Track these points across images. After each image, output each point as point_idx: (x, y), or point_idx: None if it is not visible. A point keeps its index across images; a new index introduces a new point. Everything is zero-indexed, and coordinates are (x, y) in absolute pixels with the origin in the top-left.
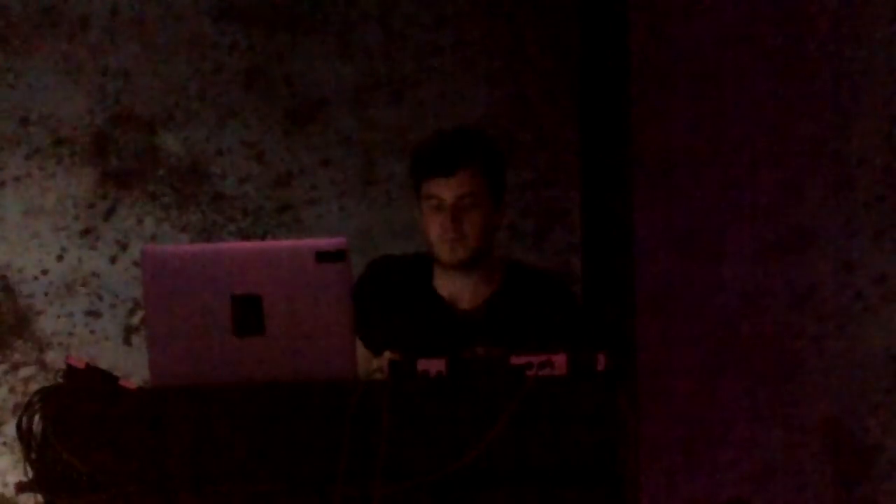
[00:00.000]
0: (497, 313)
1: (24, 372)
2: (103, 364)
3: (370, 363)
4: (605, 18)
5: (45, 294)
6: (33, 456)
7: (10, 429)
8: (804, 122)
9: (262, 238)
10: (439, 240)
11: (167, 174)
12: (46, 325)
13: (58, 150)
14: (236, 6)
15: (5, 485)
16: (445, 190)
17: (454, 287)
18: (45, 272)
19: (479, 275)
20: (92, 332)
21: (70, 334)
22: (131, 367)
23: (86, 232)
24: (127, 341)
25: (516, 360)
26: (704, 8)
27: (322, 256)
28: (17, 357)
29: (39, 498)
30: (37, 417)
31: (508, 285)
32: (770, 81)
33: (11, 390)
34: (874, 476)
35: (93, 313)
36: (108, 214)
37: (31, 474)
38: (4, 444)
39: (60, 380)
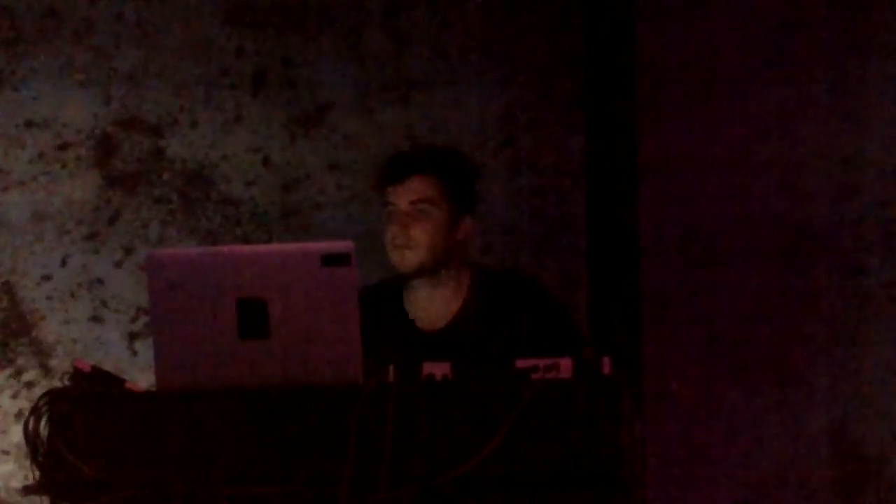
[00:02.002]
0: (467, 327)
1: (27, 378)
2: (110, 369)
3: None
4: (610, 24)
5: (49, 299)
6: (39, 459)
7: (13, 436)
8: (810, 125)
9: (268, 242)
10: (391, 246)
11: (172, 178)
12: (50, 330)
13: (62, 153)
14: (242, 9)
15: (7, 490)
16: (398, 196)
17: (423, 303)
18: (48, 277)
19: (445, 287)
20: (96, 338)
21: (74, 340)
22: (136, 373)
23: (90, 236)
24: (130, 348)
25: (522, 364)
26: (709, 13)
27: (328, 260)
28: (20, 363)
29: (45, 501)
30: (43, 420)
31: (477, 294)
32: (775, 86)
33: (14, 396)
34: (880, 485)
35: (96, 319)
36: (113, 219)
37: (37, 477)
38: (6, 452)
39: (67, 382)
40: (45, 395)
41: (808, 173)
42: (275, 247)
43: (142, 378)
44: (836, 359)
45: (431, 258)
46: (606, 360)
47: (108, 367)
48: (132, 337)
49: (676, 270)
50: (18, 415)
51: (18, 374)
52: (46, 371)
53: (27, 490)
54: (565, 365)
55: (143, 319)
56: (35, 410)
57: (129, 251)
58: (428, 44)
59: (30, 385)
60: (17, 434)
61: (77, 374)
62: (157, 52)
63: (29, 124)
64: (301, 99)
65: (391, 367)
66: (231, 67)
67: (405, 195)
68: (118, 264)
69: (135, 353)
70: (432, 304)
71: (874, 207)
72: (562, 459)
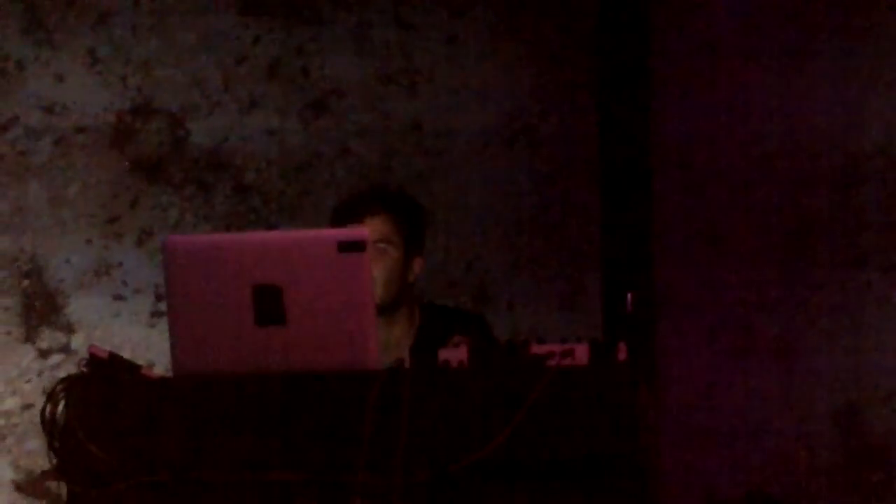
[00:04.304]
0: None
1: (51, 361)
2: (131, 349)
3: None
4: (625, 11)
5: (71, 282)
6: (57, 444)
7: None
8: (818, 115)
9: (284, 228)
10: None
11: (190, 164)
12: (74, 311)
13: (82, 139)
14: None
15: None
16: None
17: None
18: (69, 261)
19: (400, 325)
20: (117, 318)
21: (95, 322)
22: (156, 354)
23: (110, 221)
24: (151, 328)
25: (537, 350)
26: (723, 2)
27: (343, 247)
28: (43, 345)
29: (63, 486)
30: (60, 406)
31: (428, 331)
32: (785, 75)
33: (39, 374)
34: (887, 465)
35: (117, 299)
36: (133, 204)
37: (54, 463)
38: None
39: (84, 369)
40: (61, 381)
41: (810, 163)
42: (290, 233)
43: (163, 358)
44: (840, 346)
45: (388, 296)
46: (622, 347)
47: (129, 348)
48: (153, 316)
49: (690, 256)
50: (45, 393)
51: (43, 355)
52: (68, 353)
53: (45, 475)
54: (581, 351)
55: (163, 302)
56: (52, 397)
57: (149, 234)
58: (437, 33)
59: (53, 368)
60: None
61: (93, 361)
62: (175, 40)
63: (49, 111)
64: (314, 87)
65: (407, 354)
66: (247, 56)
67: None
68: (138, 248)
69: (155, 334)
70: (388, 342)
71: (875, 197)
72: (577, 445)
